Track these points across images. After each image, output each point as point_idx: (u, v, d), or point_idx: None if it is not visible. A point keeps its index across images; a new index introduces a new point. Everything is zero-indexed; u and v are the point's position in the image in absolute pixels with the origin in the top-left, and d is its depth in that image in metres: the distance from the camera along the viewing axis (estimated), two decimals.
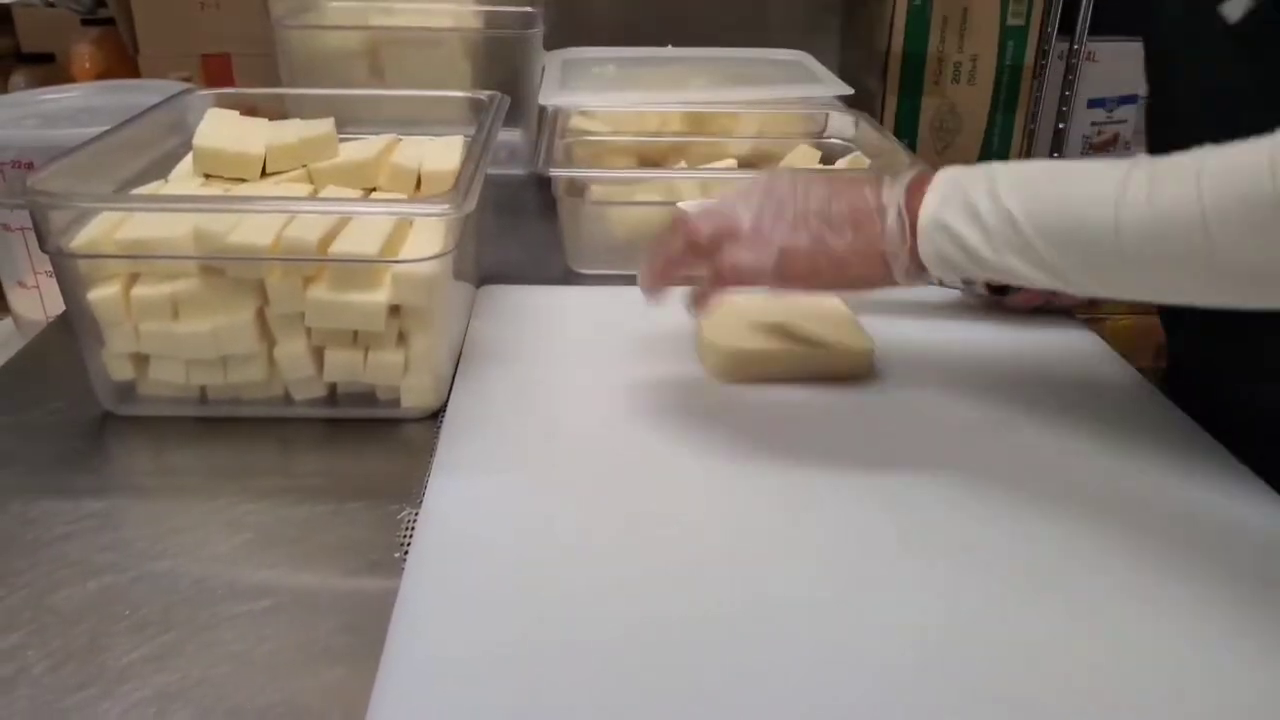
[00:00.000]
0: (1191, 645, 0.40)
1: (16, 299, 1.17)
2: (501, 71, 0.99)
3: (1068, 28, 1.50)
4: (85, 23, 1.45)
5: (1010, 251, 0.44)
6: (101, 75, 1.39)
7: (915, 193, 0.48)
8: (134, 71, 1.38)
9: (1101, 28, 1.53)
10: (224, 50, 1.38)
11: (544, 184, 0.82)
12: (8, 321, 1.16)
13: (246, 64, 1.38)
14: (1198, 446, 0.55)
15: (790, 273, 0.49)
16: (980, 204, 0.44)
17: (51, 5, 1.44)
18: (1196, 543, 0.47)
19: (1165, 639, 0.41)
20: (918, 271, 0.48)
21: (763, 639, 0.40)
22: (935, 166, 0.48)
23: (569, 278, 0.78)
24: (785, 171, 0.54)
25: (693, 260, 0.52)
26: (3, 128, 1.10)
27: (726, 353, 0.61)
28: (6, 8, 1.46)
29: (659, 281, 0.54)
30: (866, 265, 0.49)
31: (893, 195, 0.48)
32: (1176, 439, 0.55)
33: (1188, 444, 0.55)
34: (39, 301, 1.11)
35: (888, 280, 0.49)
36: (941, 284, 0.61)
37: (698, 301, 0.55)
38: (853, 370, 0.62)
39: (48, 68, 1.46)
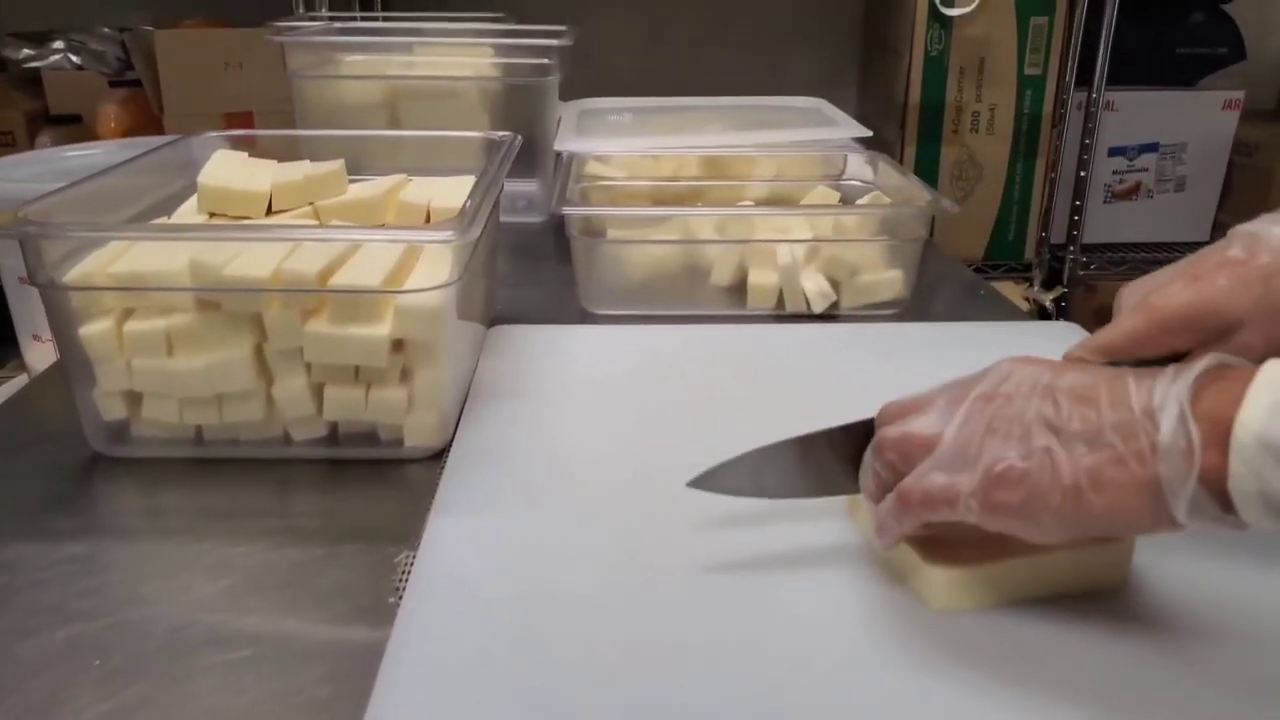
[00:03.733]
0: None
1: (31, 352, 1.17)
2: (518, 122, 0.99)
3: (1086, 77, 1.49)
4: (113, 85, 1.48)
5: None
6: (127, 134, 1.41)
7: (1212, 389, 0.33)
8: (159, 131, 1.41)
9: (1119, 77, 1.53)
10: (247, 109, 1.41)
11: (560, 231, 0.80)
12: (22, 377, 1.15)
13: (269, 121, 1.40)
14: None
15: (1001, 503, 0.35)
16: None
17: (80, 68, 1.47)
18: None
19: None
20: (1215, 512, 0.32)
21: (773, 692, 0.36)
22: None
23: (584, 319, 0.75)
24: (1014, 363, 0.38)
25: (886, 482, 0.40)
26: (22, 182, 1.11)
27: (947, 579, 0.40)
28: (36, 71, 1.50)
29: (889, 539, 0.40)
30: (1123, 496, 0.33)
31: (1173, 391, 0.33)
32: None
33: None
34: (53, 355, 1.10)
35: (1160, 522, 0.33)
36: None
37: (879, 533, 0.41)
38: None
39: (75, 128, 1.48)
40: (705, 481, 0.45)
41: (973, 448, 0.36)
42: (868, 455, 0.41)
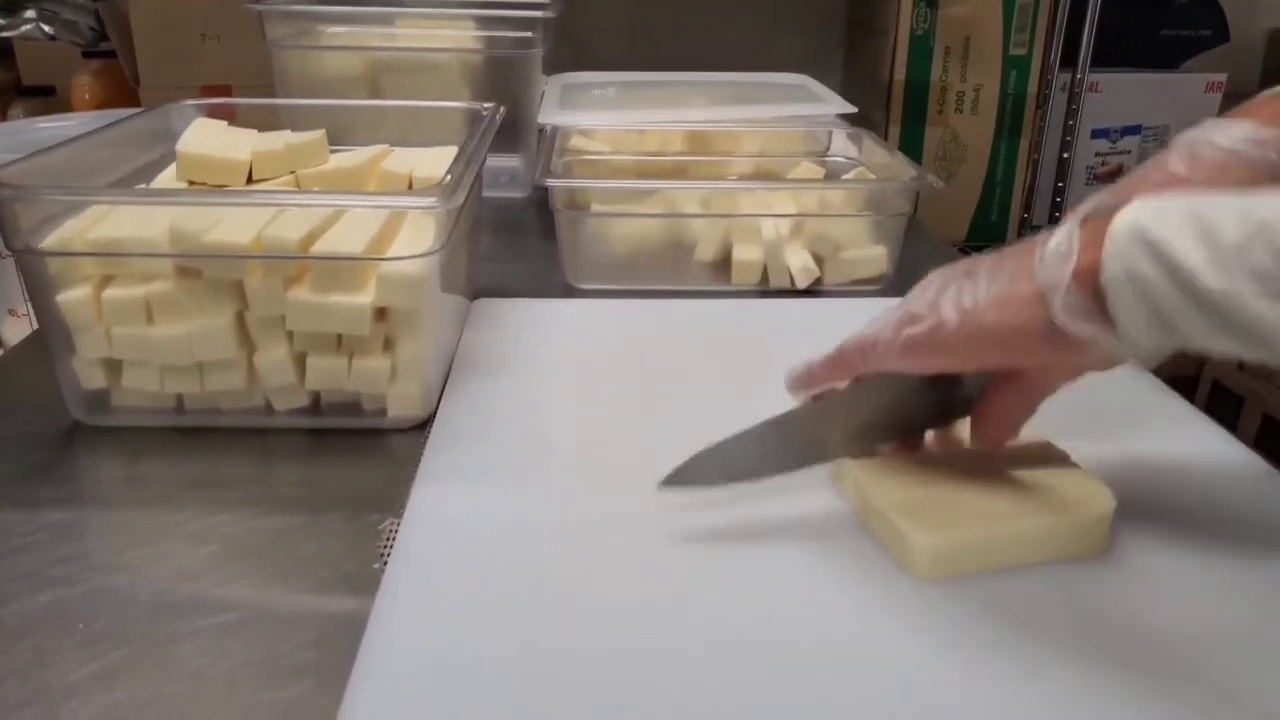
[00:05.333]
0: None
1: (7, 327, 1.16)
2: (501, 96, 0.97)
3: (1070, 58, 1.50)
4: (86, 55, 1.45)
5: (1253, 279, 0.29)
6: (102, 107, 1.39)
7: (1102, 211, 0.35)
8: (134, 104, 1.38)
9: (1104, 59, 1.53)
10: (225, 82, 1.38)
11: (543, 207, 0.80)
12: None
13: (247, 95, 1.38)
14: None
15: (910, 335, 0.39)
16: (1214, 213, 0.31)
17: (53, 38, 1.44)
18: None
19: None
20: (1089, 305, 0.33)
21: (763, 665, 0.37)
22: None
23: (568, 294, 0.75)
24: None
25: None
26: None
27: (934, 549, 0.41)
28: (8, 41, 1.47)
29: (800, 388, 0.46)
30: (1012, 309, 0.35)
31: (1067, 223, 0.36)
32: None
33: None
34: (29, 329, 1.09)
35: (1043, 332, 0.34)
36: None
37: (803, 381, 0.46)
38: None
39: (48, 100, 1.46)
40: (677, 479, 0.44)
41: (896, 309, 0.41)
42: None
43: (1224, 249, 0.30)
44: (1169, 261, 0.31)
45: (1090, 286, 0.33)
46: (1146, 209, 0.32)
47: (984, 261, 0.39)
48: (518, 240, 0.89)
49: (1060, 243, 0.35)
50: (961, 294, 0.38)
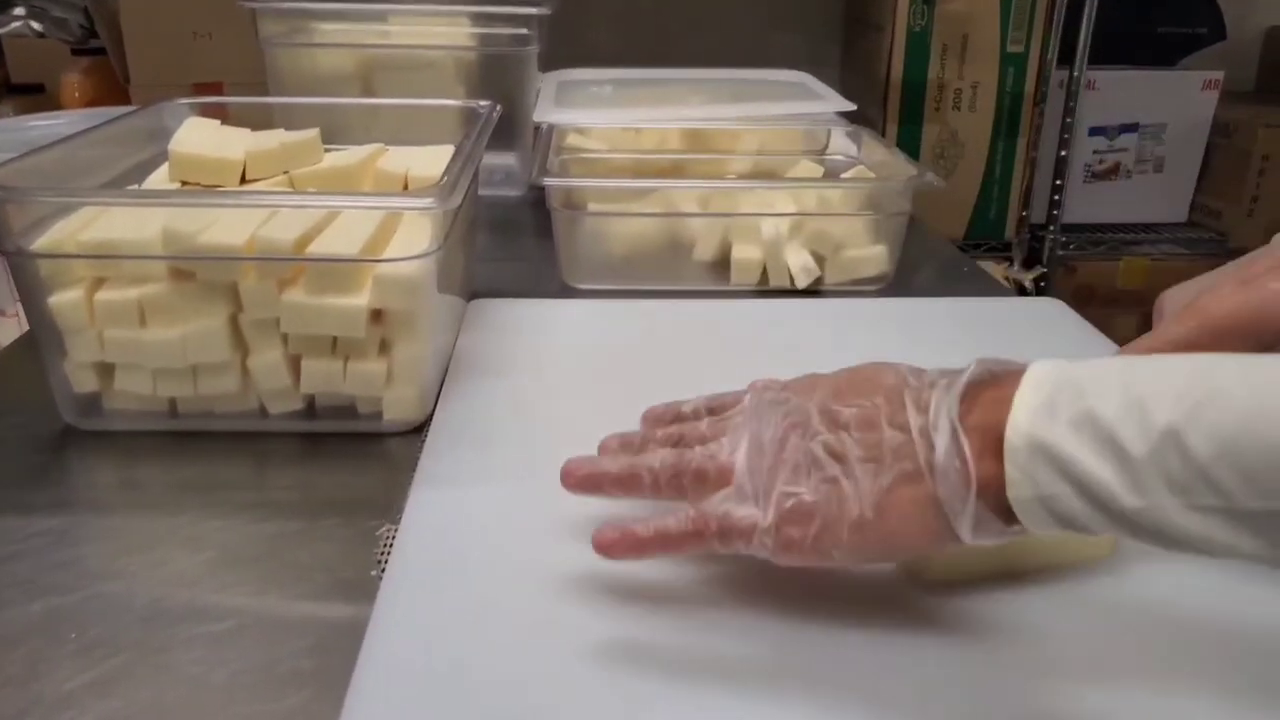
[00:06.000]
0: None
1: None
2: (496, 94, 0.97)
3: (1068, 55, 1.50)
4: (76, 53, 1.44)
5: (1171, 494, 0.27)
6: (92, 105, 1.38)
7: (981, 400, 0.32)
8: (124, 101, 1.37)
9: (1101, 56, 1.53)
10: (217, 80, 1.37)
11: (539, 205, 0.79)
12: None
13: (239, 93, 1.37)
14: None
15: (793, 538, 0.35)
16: (1109, 413, 0.28)
17: (42, 36, 1.43)
18: None
19: None
20: (998, 525, 0.31)
21: (771, 667, 0.36)
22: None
23: (565, 294, 0.74)
24: (803, 380, 0.39)
25: (657, 489, 0.39)
26: None
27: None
28: None
29: (580, 485, 0.40)
30: (909, 521, 0.33)
31: (945, 405, 0.32)
32: None
33: None
34: (18, 330, 1.08)
35: (950, 539, 0.33)
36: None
37: (619, 548, 0.38)
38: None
39: (37, 98, 1.44)
40: None
41: (761, 479, 0.36)
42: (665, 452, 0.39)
43: (1132, 462, 0.28)
44: (1080, 483, 0.29)
45: (996, 502, 0.31)
46: (1037, 415, 0.30)
47: (850, 416, 0.35)
48: (513, 240, 0.89)
49: (950, 454, 0.31)
50: (839, 485, 0.34)
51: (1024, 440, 0.30)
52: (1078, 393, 0.29)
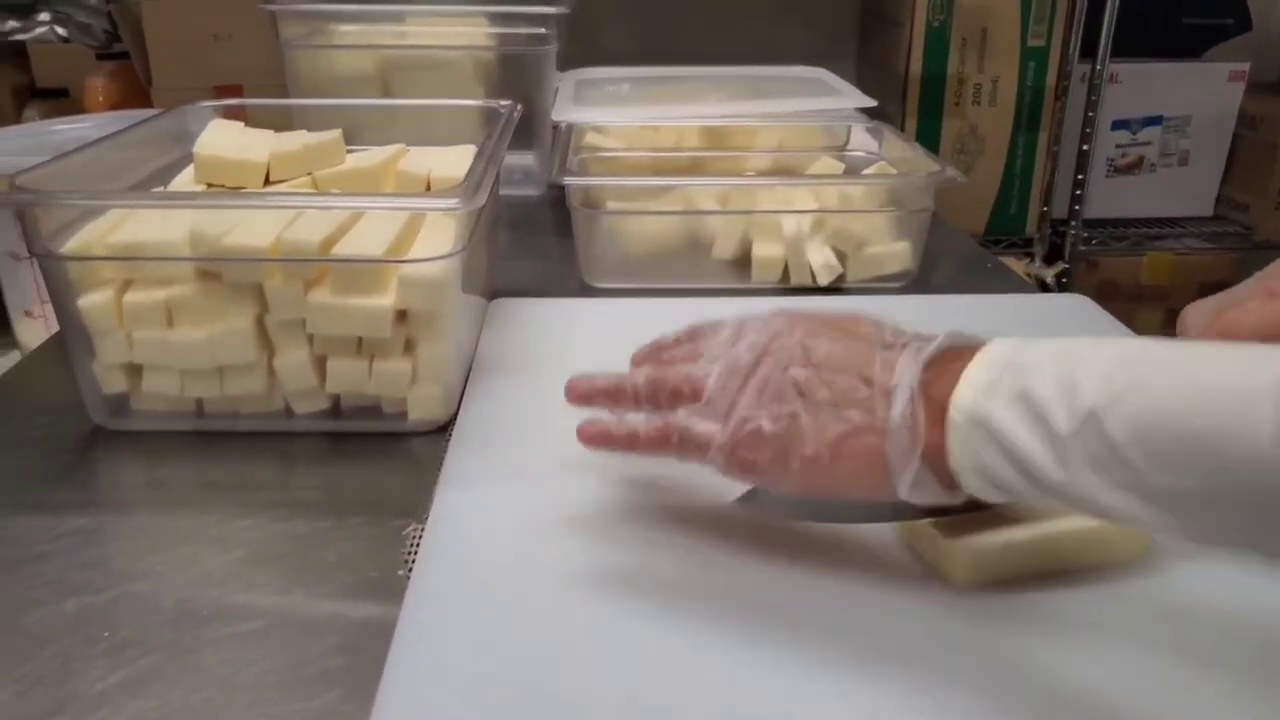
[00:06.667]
0: None
1: (23, 329, 1.16)
2: (514, 94, 0.97)
3: (1089, 49, 1.48)
4: (100, 57, 1.45)
5: (1092, 471, 0.30)
6: (115, 108, 1.39)
7: (942, 371, 0.34)
8: (147, 104, 1.38)
9: (1124, 49, 1.51)
10: (237, 82, 1.38)
11: (558, 204, 0.79)
12: (14, 354, 1.14)
13: (259, 95, 1.38)
14: None
15: (746, 460, 0.37)
16: (1043, 394, 0.31)
17: (67, 40, 1.44)
18: None
19: None
20: (939, 488, 0.34)
21: (798, 670, 0.36)
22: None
23: (584, 293, 0.74)
24: (789, 313, 0.40)
25: (637, 400, 0.42)
26: (10, 156, 1.09)
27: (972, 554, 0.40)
28: (22, 44, 1.47)
29: (580, 400, 0.44)
30: (857, 468, 0.35)
31: (909, 371, 0.35)
32: None
33: None
34: (45, 330, 1.09)
35: (887, 494, 0.35)
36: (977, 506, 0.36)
37: (598, 440, 0.42)
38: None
39: (62, 102, 1.46)
40: (753, 501, 0.42)
41: (728, 400, 0.38)
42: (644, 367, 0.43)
43: (1058, 439, 0.30)
44: (1011, 454, 0.31)
45: (938, 466, 0.34)
46: (979, 385, 0.32)
47: (822, 357, 0.37)
48: (533, 239, 0.89)
49: (904, 415, 0.34)
50: (799, 421, 0.36)
51: (965, 415, 0.32)
52: (1019, 371, 0.32)
